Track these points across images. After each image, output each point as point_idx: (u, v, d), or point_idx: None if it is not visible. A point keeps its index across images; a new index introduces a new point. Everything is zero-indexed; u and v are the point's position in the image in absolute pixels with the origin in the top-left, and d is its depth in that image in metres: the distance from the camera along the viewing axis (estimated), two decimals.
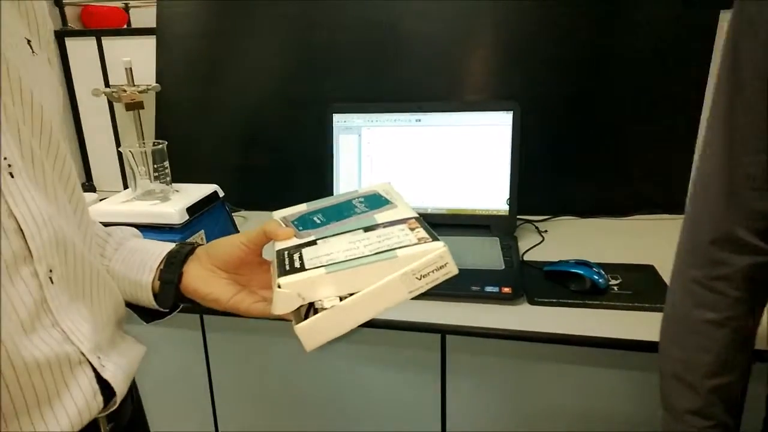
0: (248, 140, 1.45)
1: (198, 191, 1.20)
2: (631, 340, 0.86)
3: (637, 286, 0.99)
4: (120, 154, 1.58)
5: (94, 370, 0.52)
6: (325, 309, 0.53)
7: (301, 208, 0.65)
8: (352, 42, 1.34)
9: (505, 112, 1.12)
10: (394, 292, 0.53)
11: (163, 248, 0.65)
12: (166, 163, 1.23)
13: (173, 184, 1.24)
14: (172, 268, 0.62)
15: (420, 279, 0.54)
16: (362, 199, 0.65)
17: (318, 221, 0.62)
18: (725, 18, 1.21)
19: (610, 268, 1.03)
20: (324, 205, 0.65)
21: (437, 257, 0.53)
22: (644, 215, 1.32)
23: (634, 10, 1.23)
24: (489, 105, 1.16)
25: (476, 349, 0.98)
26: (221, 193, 1.23)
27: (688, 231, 0.65)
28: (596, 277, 0.98)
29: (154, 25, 1.43)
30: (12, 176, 0.47)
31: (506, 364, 0.99)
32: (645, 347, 0.85)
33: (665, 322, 0.68)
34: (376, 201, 0.63)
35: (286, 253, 0.57)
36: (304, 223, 0.62)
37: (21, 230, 0.47)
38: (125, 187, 1.56)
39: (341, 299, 0.53)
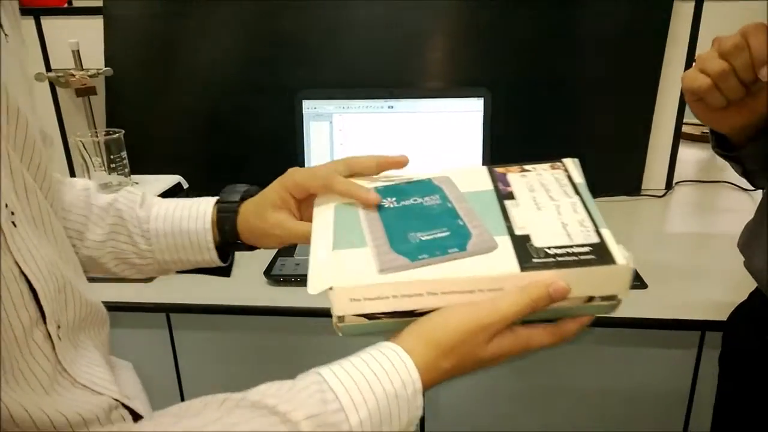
0: (211, 128, 1.38)
1: (160, 183, 1.14)
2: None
3: None
4: (66, 144, 1.48)
5: (127, 407, 0.49)
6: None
7: None
8: (321, 27, 1.30)
9: (476, 98, 1.12)
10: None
11: (199, 217, 0.60)
12: (124, 154, 1.17)
13: (132, 176, 1.18)
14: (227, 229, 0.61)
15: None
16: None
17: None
18: (679, 6, 1.26)
19: None
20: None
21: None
22: (606, 197, 1.35)
23: None
24: (460, 92, 1.15)
25: None
26: (185, 185, 1.18)
27: None
28: None
29: (101, 4, 1.34)
30: (15, 225, 0.40)
31: None
32: (637, 324, 0.89)
33: None
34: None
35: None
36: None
37: (32, 290, 0.40)
38: (72, 176, 1.47)
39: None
